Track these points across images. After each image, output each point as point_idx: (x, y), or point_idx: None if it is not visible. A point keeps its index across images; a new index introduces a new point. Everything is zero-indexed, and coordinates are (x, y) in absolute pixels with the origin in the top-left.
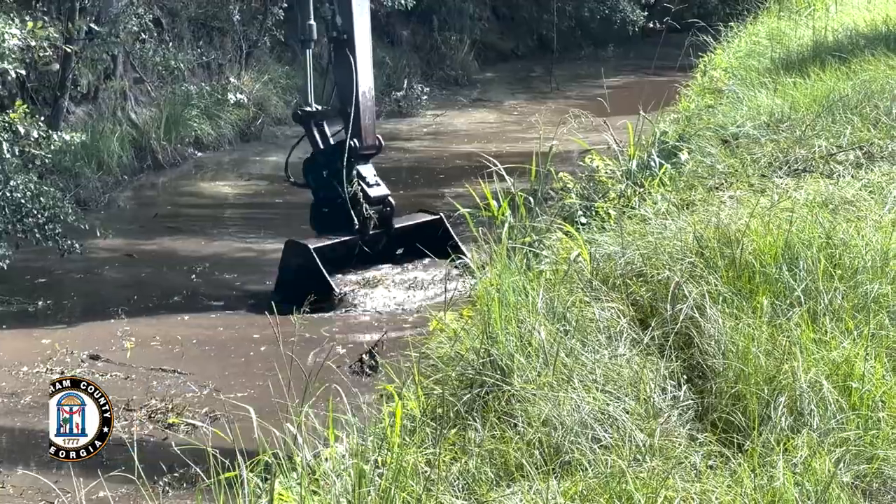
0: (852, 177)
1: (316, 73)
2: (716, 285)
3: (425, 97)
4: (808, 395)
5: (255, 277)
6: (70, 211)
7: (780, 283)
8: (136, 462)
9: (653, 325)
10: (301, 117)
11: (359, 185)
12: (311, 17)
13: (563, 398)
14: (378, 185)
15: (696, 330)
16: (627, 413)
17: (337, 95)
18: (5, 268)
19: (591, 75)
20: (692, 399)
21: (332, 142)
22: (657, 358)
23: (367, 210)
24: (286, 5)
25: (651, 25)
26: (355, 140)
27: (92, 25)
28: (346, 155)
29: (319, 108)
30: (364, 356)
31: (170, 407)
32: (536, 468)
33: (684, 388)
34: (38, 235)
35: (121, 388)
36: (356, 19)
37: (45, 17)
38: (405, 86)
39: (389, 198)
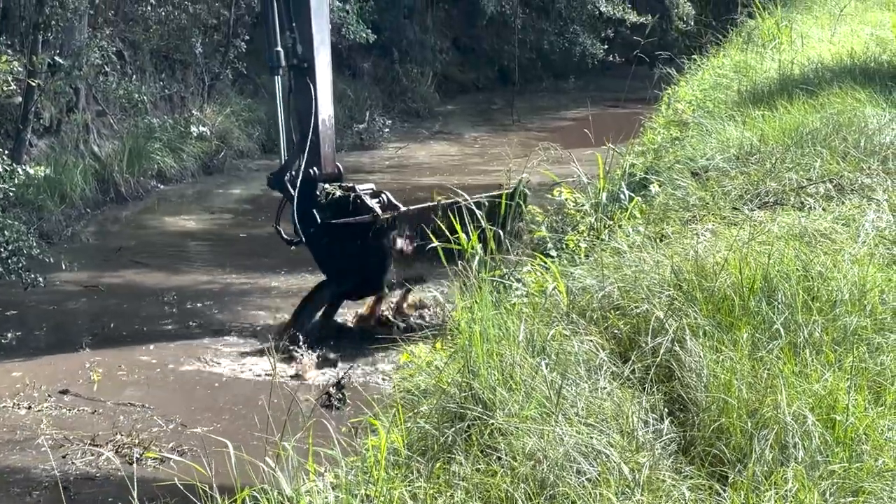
0: (823, 209)
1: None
2: (695, 318)
3: (387, 130)
4: (793, 428)
5: (219, 310)
6: (34, 244)
7: (760, 316)
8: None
9: (633, 358)
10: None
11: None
12: (279, 43)
13: (547, 431)
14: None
15: (677, 363)
16: (612, 446)
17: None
18: None
19: (551, 107)
20: (675, 432)
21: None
22: (638, 391)
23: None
24: (248, 38)
25: (611, 58)
26: (314, 168)
27: (55, 58)
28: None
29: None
30: (331, 389)
31: (136, 441)
32: (524, 502)
33: (667, 421)
34: (0, 269)
35: (87, 423)
36: (317, 47)
37: (9, 51)
38: (367, 118)
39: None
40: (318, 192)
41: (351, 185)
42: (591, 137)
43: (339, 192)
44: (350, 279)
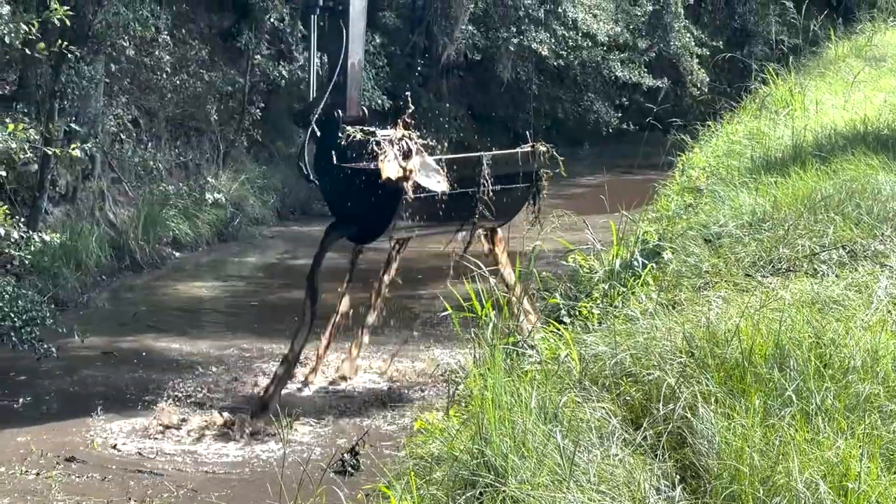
0: (837, 276)
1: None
2: (707, 385)
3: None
4: (805, 496)
5: (232, 376)
6: (48, 314)
7: (772, 383)
8: None
9: (645, 424)
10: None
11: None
12: None
13: (559, 499)
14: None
15: (689, 430)
16: None
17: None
18: None
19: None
20: (687, 500)
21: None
22: (650, 458)
23: None
24: (263, 105)
25: (625, 125)
26: (338, 110)
27: (71, 126)
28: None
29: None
30: (346, 455)
31: None
32: None
33: (679, 488)
34: (14, 339)
35: (98, 490)
36: None
37: (25, 119)
38: None
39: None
40: (339, 134)
41: (372, 129)
42: (606, 204)
43: (359, 135)
44: (355, 224)
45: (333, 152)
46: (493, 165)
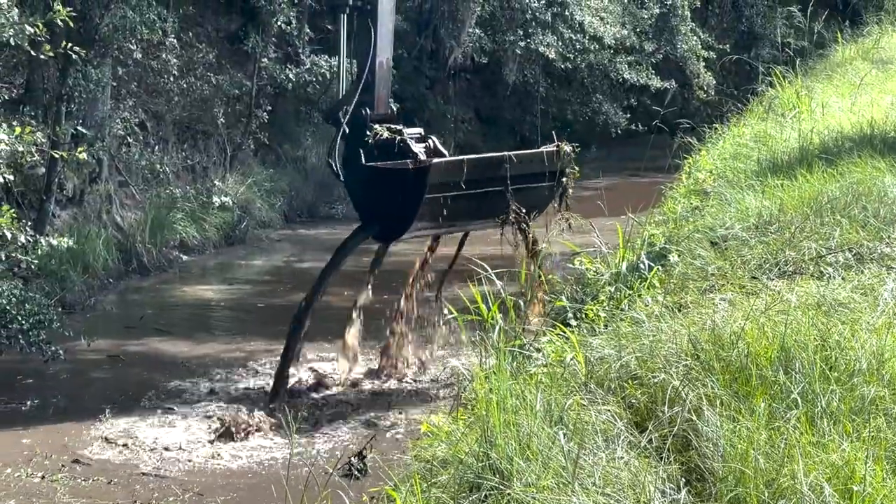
0: (843, 279)
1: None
2: (712, 388)
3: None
4: (810, 499)
5: (239, 378)
6: (55, 317)
7: (777, 386)
8: None
9: (650, 427)
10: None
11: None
12: None
13: (564, 501)
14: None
15: (694, 433)
16: None
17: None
18: None
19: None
20: (691, 502)
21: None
22: (655, 461)
23: None
24: (270, 108)
25: (633, 127)
26: (366, 108)
27: (78, 129)
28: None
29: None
30: (353, 458)
31: None
32: None
33: (684, 491)
34: (22, 342)
35: (104, 493)
36: None
37: (32, 122)
38: None
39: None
40: (367, 132)
41: (399, 127)
42: (605, 208)
43: (385, 134)
44: (378, 222)
45: (361, 150)
46: (517, 165)
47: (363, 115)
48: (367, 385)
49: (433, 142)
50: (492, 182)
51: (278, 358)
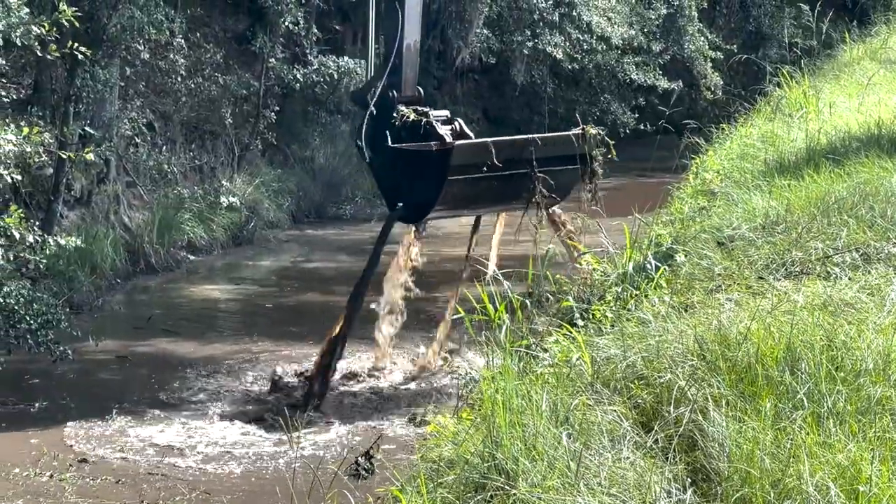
0: (850, 279)
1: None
2: (718, 388)
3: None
4: (816, 499)
5: (247, 379)
6: (63, 317)
7: (783, 386)
8: None
9: (656, 427)
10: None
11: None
12: None
13: (569, 501)
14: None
15: (700, 433)
16: None
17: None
18: None
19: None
20: (697, 502)
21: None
22: (661, 461)
23: None
24: (278, 108)
25: (642, 127)
26: (393, 90)
27: (86, 129)
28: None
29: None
30: (360, 458)
31: None
32: None
33: (689, 491)
34: (30, 342)
35: (111, 492)
36: None
37: (40, 122)
38: None
39: None
40: (393, 114)
41: (425, 109)
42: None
43: (412, 116)
44: (403, 204)
45: (387, 132)
46: (542, 147)
47: (390, 97)
48: (378, 385)
49: (459, 124)
50: (517, 164)
51: (287, 357)
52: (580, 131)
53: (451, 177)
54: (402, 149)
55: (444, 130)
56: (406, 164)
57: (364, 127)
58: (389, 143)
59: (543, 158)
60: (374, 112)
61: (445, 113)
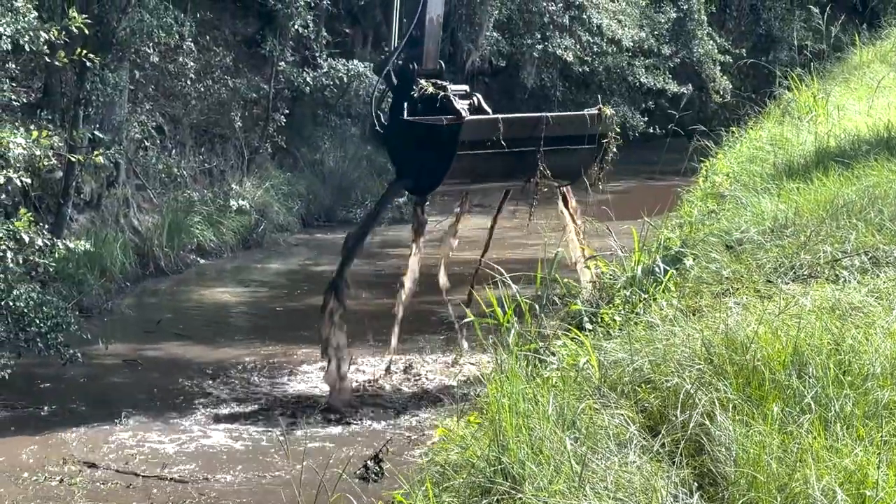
0: (858, 282)
1: None
2: (725, 392)
3: (427, 203)
4: (822, 503)
5: (258, 383)
6: (73, 321)
7: (790, 390)
8: None
9: (663, 431)
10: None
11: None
12: None
13: None
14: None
15: (707, 437)
16: None
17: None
18: (6, 377)
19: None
20: None
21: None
22: (668, 465)
23: None
24: (287, 111)
25: (651, 130)
26: (414, 63)
27: (96, 133)
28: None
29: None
30: (369, 462)
31: None
32: None
33: (696, 495)
34: (40, 345)
35: (121, 497)
36: None
37: (50, 126)
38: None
39: None
40: (413, 87)
41: (444, 83)
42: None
43: (430, 89)
44: (412, 176)
45: (404, 104)
46: (555, 126)
47: (410, 69)
48: (387, 388)
49: (477, 99)
50: (528, 142)
51: (298, 360)
52: (596, 111)
53: (461, 151)
54: (413, 121)
55: (461, 105)
56: (417, 137)
57: (379, 97)
58: (405, 115)
59: (556, 137)
60: (393, 83)
61: (464, 88)
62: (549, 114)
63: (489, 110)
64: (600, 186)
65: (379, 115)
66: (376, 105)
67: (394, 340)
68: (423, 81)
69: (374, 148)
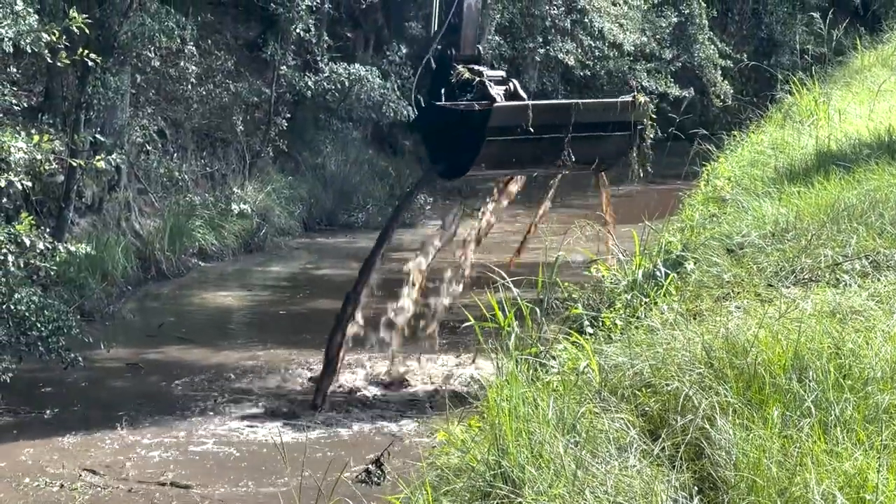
0: (859, 286)
1: None
2: (725, 396)
3: (428, 207)
4: None
5: (260, 387)
6: (74, 324)
7: (790, 394)
8: None
9: (663, 435)
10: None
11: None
12: None
13: None
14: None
15: (707, 441)
16: None
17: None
18: (8, 381)
19: (591, 184)
20: None
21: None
22: (668, 469)
23: None
24: (289, 116)
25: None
26: (452, 49)
27: (97, 137)
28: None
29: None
30: (371, 466)
31: None
32: None
33: (696, 499)
34: (41, 348)
35: (122, 501)
36: None
37: (51, 130)
38: None
39: None
40: (451, 72)
41: (480, 68)
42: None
43: (466, 74)
44: (444, 160)
45: (441, 89)
46: (586, 113)
47: (448, 55)
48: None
49: (514, 85)
50: (559, 129)
51: (300, 364)
52: (630, 99)
53: (490, 137)
54: (445, 106)
55: (496, 91)
56: (448, 122)
57: (423, 82)
58: (442, 100)
59: (588, 124)
60: (432, 68)
61: (501, 73)
62: (580, 100)
63: (525, 96)
64: (641, 174)
65: (418, 100)
66: (416, 91)
67: (394, 343)
68: (459, 66)
69: (415, 138)
